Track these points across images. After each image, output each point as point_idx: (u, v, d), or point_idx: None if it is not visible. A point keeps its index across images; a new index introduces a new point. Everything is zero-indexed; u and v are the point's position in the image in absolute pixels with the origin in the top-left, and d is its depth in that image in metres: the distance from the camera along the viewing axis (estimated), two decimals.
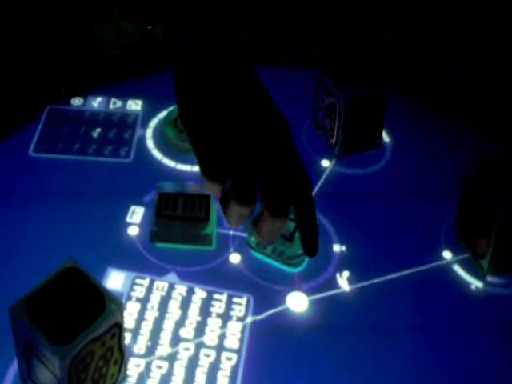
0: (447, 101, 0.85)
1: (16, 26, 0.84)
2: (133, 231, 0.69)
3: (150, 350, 0.60)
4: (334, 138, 0.77)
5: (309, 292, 0.65)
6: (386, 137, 0.81)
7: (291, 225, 0.67)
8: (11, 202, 0.71)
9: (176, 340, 0.61)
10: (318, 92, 0.79)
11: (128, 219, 0.70)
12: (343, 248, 0.69)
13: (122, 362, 0.57)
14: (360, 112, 0.76)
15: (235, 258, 0.68)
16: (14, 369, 0.58)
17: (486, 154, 0.71)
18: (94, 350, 0.53)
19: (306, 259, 0.67)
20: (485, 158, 0.70)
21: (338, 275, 0.67)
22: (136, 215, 0.70)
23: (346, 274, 0.67)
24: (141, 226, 0.70)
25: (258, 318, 0.63)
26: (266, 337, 0.62)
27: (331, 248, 0.69)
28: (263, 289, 0.66)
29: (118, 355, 0.56)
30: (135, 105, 0.83)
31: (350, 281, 0.66)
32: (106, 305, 0.54)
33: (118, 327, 0.55)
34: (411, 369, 0.61)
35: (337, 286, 0.66)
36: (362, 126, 0.77)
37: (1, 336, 0.58)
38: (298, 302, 0.65)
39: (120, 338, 0.55)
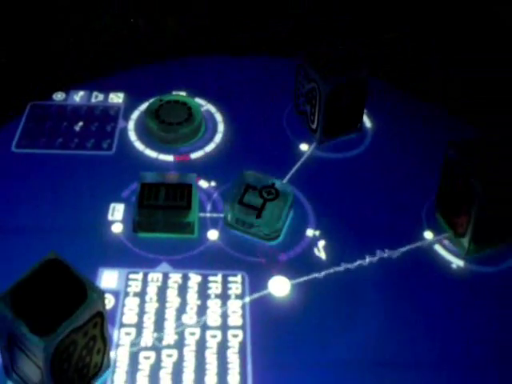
0: (429, 86, 0.85)
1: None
2: (117, 228, 0.69)
3: (158, 341, 0.61)
4: (315, 123, 0.78)
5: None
6: (367, 122, 0.81)
7: (260, 201, 0.69)
8: None
9: (180, 327, 0.62)
10: (299, 78, 0.79)
11: (110, 217, 0.70)
12: (316, 233, 0.70)
13: (105, 351, 0.58)
14: (340, 97, 0.76)
15: (217, 238, 0.69)
16: None
17: (467, 137, 0.72)
18: (76, 339, 0.54)
19: (282, 233, 0.69)
20: (465, 139, 0.70)
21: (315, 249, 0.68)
22: (117, 212, 0.70)
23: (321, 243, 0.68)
24: (124, 221, 0.70)
25: (257, 295, 0.64)
26: (268, 309, 0.63)
27: (304, 232, 0.70)
28: (253, 264, 0.67)
29: (101, 344, 0.57)
30: (117, 98, 0.83)
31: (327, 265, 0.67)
32: (87, 294, 0.55)
33: (100, 316, 0.55)
34: (395, 350, 0.62)
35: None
36: (342, 110, 0.77)
37: None
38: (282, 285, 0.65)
39: (102, 327, 0.56)
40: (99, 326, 0.56)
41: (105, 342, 0.57)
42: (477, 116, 0.81)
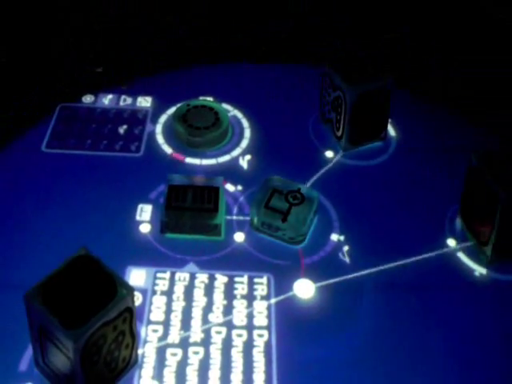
0: (453, 96, 0.86)
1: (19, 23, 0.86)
2: (145, 228, 0.70)
3: (184, 339, 0.62)
4: (340, 131, 0.79)
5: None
6: (391, 131, 0.82)
7: (286, 205, 0.70)
8: (25, 197, 0.73)
9: (207, 325, 0.63)
10: (325, 86, 0.80)
11: (138, 217, 0.71)
12: (341, 238, 0.71)
13: (133, 347, 0.59)
14: (365, 105, 0.77)
15: (243, 241, 0.70)
16: (28, 353, 0.60)
17: (490, 148, 0.73)
18: (106, 333, 0.55)
19: (308, 237, 0.70)
20: (489, 150, 0.71)
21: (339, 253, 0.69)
22: (145, 213, 0.72)
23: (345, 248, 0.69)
24: (151, 222, 0.71)
25: (282, 297, 0.65)
26: (292, 311, 0.65)
27: (329, 237, 0.71)
28: (279, 266, 0.68)
29: (130, 339, 0.58)
30: (145, 102, 0.84)
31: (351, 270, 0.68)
32: (117, 290, 0.56)
33: (129, 312, 0.56)
34: (418, 357, 0.62)
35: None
36: (367, 118, 0.79)
37: (16, 323, 0.60)
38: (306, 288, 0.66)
39: (131, 322, 0.57)
40: (128, 322, 0.57)
41: (133, 338, 0.58)
42: (501, 124, 0.82)
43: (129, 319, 0.57)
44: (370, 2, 0.95)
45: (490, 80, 0.88)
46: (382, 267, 0.68)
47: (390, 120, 0.81)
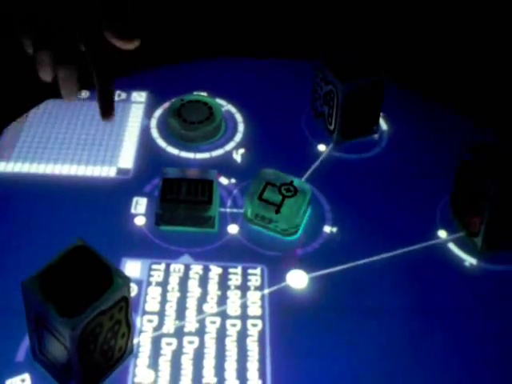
0: (444, 89, 0.87)
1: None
2: (140, 221, 0.71)
3: (179, 328, 0.63)
4: (333, 125, 0.80)
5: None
6: (383, 124, 0.83)
7: (279, 197, 0.71)
8: (23, 190, 0.74)
9: (201, 315, 0.64)
10: (317, 80, 0.81)
11: (133, 210, 0.72)
12: (334, 229, 0.72)
13: (129, 336, 0.60)
14: (357, 99, 0.78)
15: (237, 232, 0.71)
16: (25, 344, 0.61)
17: (481, 140, 0.74)
18: (102, 322, 0.56)
19: (300, 229, 0.71)
20: (480, 141, 0.72)
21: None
22: (140, 206, 0.72)
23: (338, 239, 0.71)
24: (146, 215, 0.72)
25: (276, 287, 0.66)
26: (286, 301, 0.65)
27: (322, 228, 0.72)
28: (272, 257, 0.69)
29: (126, 329, 0.59)
30: (139, 96, 0.85)
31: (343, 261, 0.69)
32: (113, 280, 0.57)
33: (125, 301, 0.57)
34: (408, 346, 0.63)
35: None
36: (359, 113, 0.79)
37: (12, 313, 0.61)
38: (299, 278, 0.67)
39: (127, 312, 0.58)
40: (124, 311, 0.58)
41: (129, 327, 0.59)
42: (492, 117, 0.83)
43: (125, 308, 0.57)
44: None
45: (483, 73, 0.89)
46: (373, 258, 0.69)
47: (381, 114, 0.82)
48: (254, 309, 0.65)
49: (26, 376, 0.59)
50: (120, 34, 0.65)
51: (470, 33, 0.92)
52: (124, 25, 0.65)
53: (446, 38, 0.93)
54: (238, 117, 0.83)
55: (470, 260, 0.70)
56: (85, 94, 0.85)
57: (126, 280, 0.57)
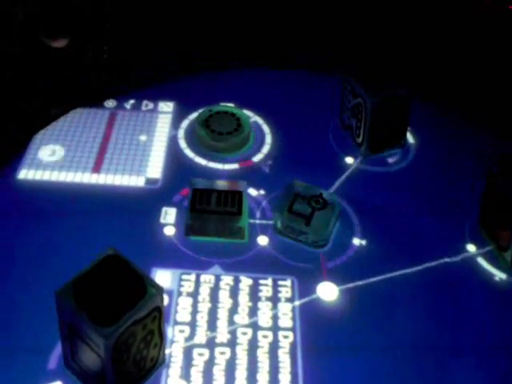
0: (472, 103, 0.87)
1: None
2: (169, 231, 0.71)
3: (211, 339, 0.63)
4: (360, 137, 0.80)
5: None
6: (410, 137, 0.83)
7: (309, 209, 0.71)
8: (51, 198, 0.74)
9: (232, 326, 0.64)
10: (345, 93, 0.81)
11: (162, 220, 0.72)
12: (363, 242, 0.72)
13: (161, 346, 0.60)
14: (385, 112, 0.78)
15: (266, 244, 0.71)
16: (57, 352, 0.61)
17: (509, 152, 0.74)
18: (135, 331, 0.56)
19: (330, 242, 0.71)
20: (507, 153, 0.72)
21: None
22: (169, 216, 0.72)
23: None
24: (176, 225, 0.72)
25: (306, 299, 0.66)
26: (316, 313, 0.65)
27: (351, 241, 0.72)
28: (302, 269, 0.69)
29: (158, 339, 0.59)
30: (167, 107, 0.85)
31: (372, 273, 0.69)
32: (146, 289, 0.57)
33: (159, 311, 0.57)
34: (439, 357, 0.63)
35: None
36: (387, 125, 0.80)
37: (44, 321, 0.61)
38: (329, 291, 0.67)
39: (160, 322, 0.58)
40: (157, 321, 0.57)
41: (161, 337, 0.59)
42: (501, 118, 0.83)
43: (158, 318, 0.57)
44: (392, 12, 0.96)
45: (510, 85, 0.89)
46: (402, 271, 0.69)
47: (408, 127, 0.82)
48: (285, 320, 0.64)
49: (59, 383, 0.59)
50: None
51: (497, 46, 0.92)
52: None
53: (474, 52, 0.93)
54: (265, 128, 0.83)
55: (499, 275, 0.70)
56: (112, 103, 0.85)
57: (160, 290, 0.57)
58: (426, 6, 0.95)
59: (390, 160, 0.81)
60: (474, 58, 0.93)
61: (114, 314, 0.55)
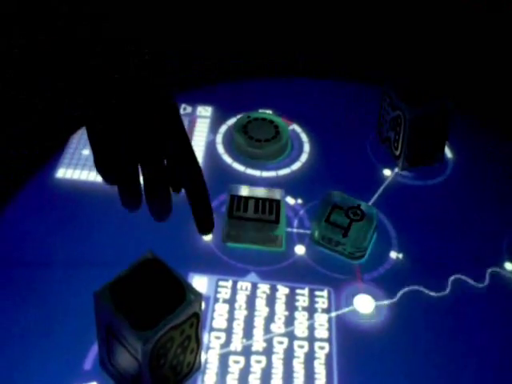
0: (508, 116, 0.87)
1: None
2: (207, 237, 0.71)
3: (247, 347, 0.63)
4: (399, 150, 0.79)
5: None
6: (448, 153, 0.83)
7: (346, 221, 0.71)
8: (89, 204, 0.74)
9: (269, 335, 0.64)
10: (384, 105, 0.81)
11: None
12: (400, 255, 0.71)
13: (197, 352, 0.59)
14: (424, 126, 0.78)
15: (303, 253, 0.71)
16: (93, 353, 0.61)
17: None
18: (173, 336, 0.56)
19: (368, 252, 0.71)
20: None
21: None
22: None
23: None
24: (213, 231, 0.71)
25: (343, 310, 0.66)
26: (353, 325, 0.65)
27: (388, 254, 0.72)
28: (339, 280, 0.69)
29: (195, 345, 0.59)
30: (205, 111, 0.85)
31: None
32: (186, 295, 0.56)
33: (197, 317, 0.57)
34: (474, 372, 0.63)
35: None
36: (425, 139, 0.79)
37: (82, 322, 0.61)
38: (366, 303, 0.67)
39: (197, 327, 0.58)
40: (195, 327, 0.57)
41: (198, 343, 0.59)
42: None
43: (195, 324, 0.57)
44: (435, 26, 0.96)
45: None
46: (439, 287, 0.69)
47: (447, 142, 0.81)
48: (322, 331, 0.64)
49: None
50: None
51: None
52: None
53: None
54: (304, 137, 0.83)
55: None
56: None
57: (198, 296, 0.57)
58: (469, 22, 0.95)
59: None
60: None
61: (153, 318, 0.55)
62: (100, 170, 0.60)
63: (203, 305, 0.64)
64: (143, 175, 0.59)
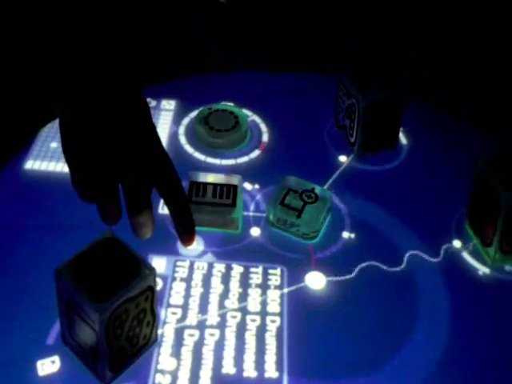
0: (461, 101, 0.90)
1: None
2: (166, 221, 0.74)
3: (201, 321, 0.66)
4: (354, 137, 0.83)
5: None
6: (402, 138, 0.86)
7: (300, 203, 0.74)
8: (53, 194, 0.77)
9: (223, 310, 0.67)
10: (340, 94, 0.84)
11: (160, 211, 0.75)
12: (352, 235, 0.75)
13: (153, 325, 0.62)
14: (377, 113, 0.81)
15: (259, 235, 0.74)
16: (56, 328, 0.64)
17: (496, 152, 0.76)
18: (129, 308, 0.59)
19: (320, 234, 0.74)
20: (496, 154, 0.74)
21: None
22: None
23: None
24: None
25: (295, 287, 0.69)
26: (304, 300, 0.69)
27: (340, 234, 0.75)
28: (292, 259, 0.72)
29: (151, 318, 0.62)
30: (169, 105, 0.89)
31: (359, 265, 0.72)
32: (140, 270, 0.60)
33: (151, 291, 0.60)
34: (423, 351, 0.66)
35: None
36: (379, 126, 0.82)
37: (44, 299, 0.64)
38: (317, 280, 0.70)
39: (152, 301, 0.61)
40: (150, 300, 0.60)
41: (154, 316, 0.62)
42: (508, 129, 0.86)
43: (150, 298, 0.60)
44: (386, 13, 0.98)
45: (500, 85, 0.92)
46: (388, 264, 0.72)
47: (402, 128, 0.85)
48: (273, 306, 0.67)
49: (56, 358, 0.62)
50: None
51: (487, 45, 0.95)
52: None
53: (464, 51, 0.95)
54: (263, 127, 0.86)
55: (483, 269, 0.72)
56: None
57: (153, 270, 0.60)
58: (422, 7, 0.98)
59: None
60: (465, 56, 0.95)
61: (110, 291, 0.58)
62: (78, 190, 0.62)
63: (161, 284, 0.68)
64: (125, 195, 0.62)
